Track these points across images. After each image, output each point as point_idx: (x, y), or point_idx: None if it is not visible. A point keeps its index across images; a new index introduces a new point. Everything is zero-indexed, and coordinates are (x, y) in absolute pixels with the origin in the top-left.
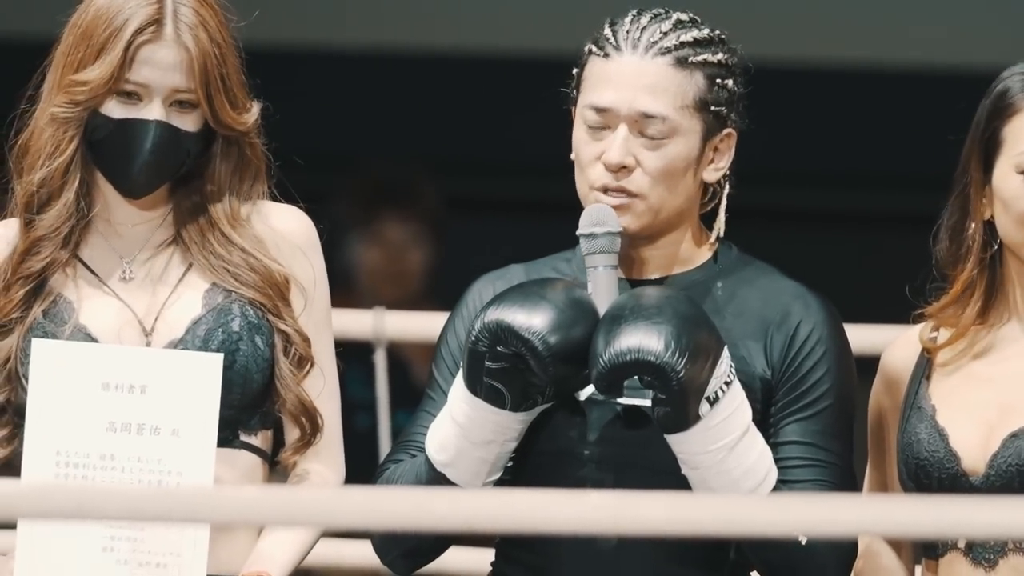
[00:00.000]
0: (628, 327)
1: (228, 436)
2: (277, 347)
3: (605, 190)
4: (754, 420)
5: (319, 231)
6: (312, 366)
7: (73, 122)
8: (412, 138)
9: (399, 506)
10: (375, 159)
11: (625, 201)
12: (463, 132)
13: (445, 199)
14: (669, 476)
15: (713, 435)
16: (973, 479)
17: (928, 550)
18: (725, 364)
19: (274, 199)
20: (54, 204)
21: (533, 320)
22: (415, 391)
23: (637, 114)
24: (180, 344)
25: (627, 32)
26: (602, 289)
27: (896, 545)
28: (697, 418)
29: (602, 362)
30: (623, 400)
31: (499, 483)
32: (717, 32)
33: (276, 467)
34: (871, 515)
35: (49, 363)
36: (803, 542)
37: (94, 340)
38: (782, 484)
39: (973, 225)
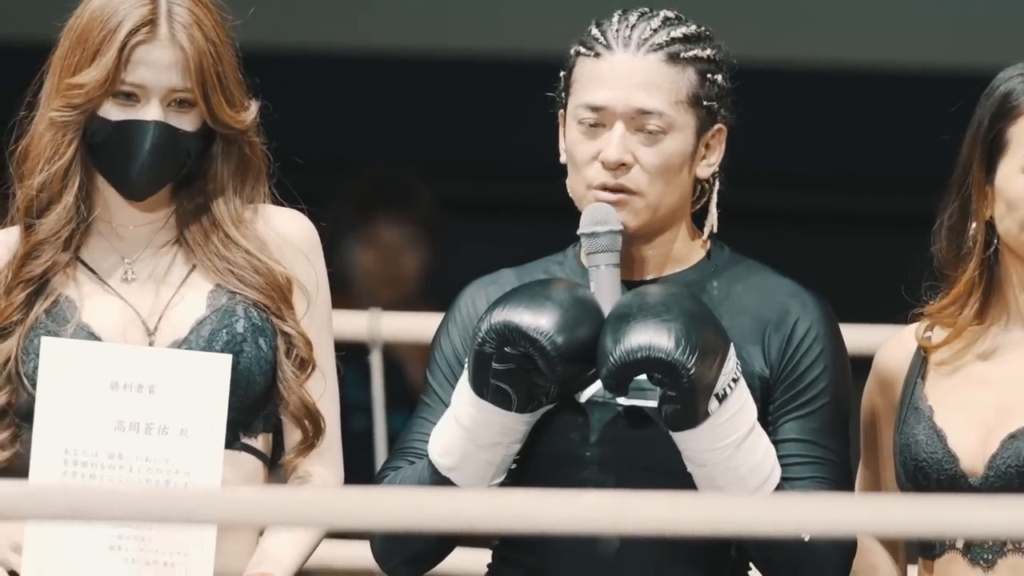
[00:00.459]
0: (637, 325)
1: (229, 438)
2: (280, 349)
3: (603, 188)
4: None
5: (319, 232)
6: (313, 369)
7: (71, 126)
8: (407, 141)
9: (404, 506)
10: (371, 162)
11: (624, 198)
12: (458, 135)
13: (440, 201)
14: (671, 477)
15: (721, 432)
16: (972, 480)
17: (925, 550)
18: (732, 361)
19: (274, 201)
20: (54, 208)
21: (540, 320)
22: (411, 392)
23: (633, 111)
24: (184, 344)
25: (616, 31)
26: (605, 288)
27: (889, 544)
28: (706, 415)
29: (612, 360)
30: (624, 401)
31: (500, 487)
32: (704, 28)
33: (275, 470)
34: (871, 515)
35: (58, 361)
36: (806, 539)
37: (97, 339)
38: (782, 481)
39: (974, 225)
